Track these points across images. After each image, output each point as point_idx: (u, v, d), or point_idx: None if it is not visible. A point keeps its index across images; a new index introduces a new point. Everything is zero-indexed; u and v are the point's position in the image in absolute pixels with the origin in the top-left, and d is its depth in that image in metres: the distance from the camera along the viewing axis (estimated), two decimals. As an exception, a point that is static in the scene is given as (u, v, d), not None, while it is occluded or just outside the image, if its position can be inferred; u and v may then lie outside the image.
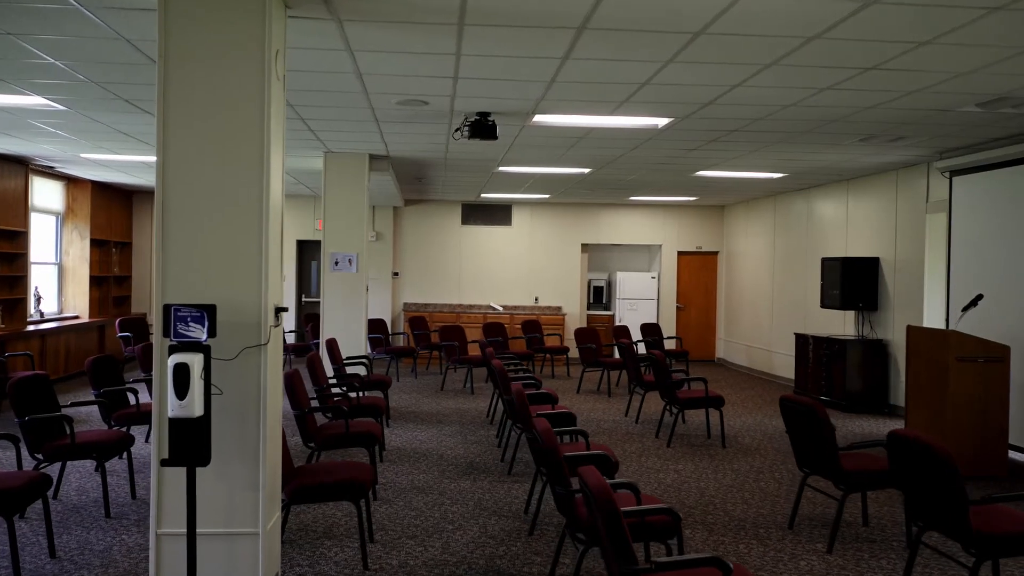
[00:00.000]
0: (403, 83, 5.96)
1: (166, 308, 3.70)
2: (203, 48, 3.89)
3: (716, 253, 15.79)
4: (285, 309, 4.25)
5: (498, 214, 15.43)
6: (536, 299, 15.47)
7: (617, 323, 15.25)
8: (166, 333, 3.69)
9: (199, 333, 3.69)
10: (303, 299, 15.39)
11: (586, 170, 10.58)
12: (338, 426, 6.06)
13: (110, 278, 13.57)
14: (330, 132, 8.15)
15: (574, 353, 14.83)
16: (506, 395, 6.85)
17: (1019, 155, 7.63)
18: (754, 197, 13.92)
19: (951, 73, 5.38)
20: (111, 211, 13.56)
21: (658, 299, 15.60)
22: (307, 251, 15.31)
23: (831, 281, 10.70)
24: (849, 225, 11.13)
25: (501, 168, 10.53)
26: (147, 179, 12.33)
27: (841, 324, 11.20)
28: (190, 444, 3.64)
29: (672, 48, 4.90)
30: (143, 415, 6.60)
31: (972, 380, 6.75)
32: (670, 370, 8.07)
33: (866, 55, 4.99)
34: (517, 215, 15.45)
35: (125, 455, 5.96)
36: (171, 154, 3.91)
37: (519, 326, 14.33)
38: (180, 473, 3.86)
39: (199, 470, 3.79)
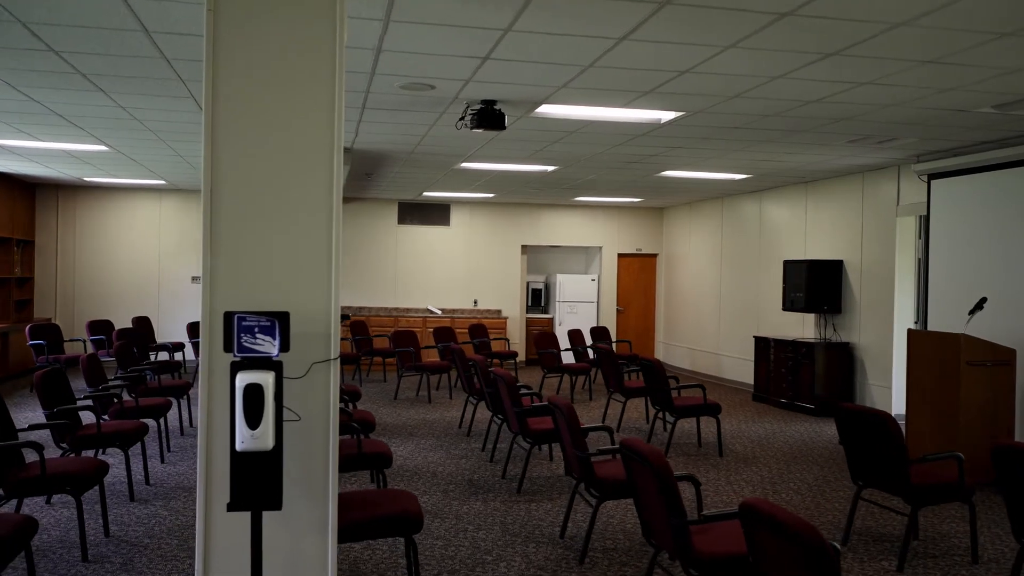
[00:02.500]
0: (420, 63, 5.36)
1: (228, 316, 3.02)
2: (262, 7, 3.24)
3: (655, 255, 15.66)
4: (348, 316, 3.62)
5: (436, 214, 14.80)
6: (475, 302, 14.93)
7: (558, 326, 14.90)
8: (228, 347, 3.02)
9: (270, 347, 3.03)
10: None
11: (551, 168, 10.15)
12: (348, 445, 5.39)
13: (11, 280, 12.21)
14: (300, 120, 7.40)
15: (520, 357, 14.44)
16: (516, 407, 6.32)
17: (1004, 159, 7.68)
18: (700, 199, 13.82)
19: (1003, 69, 5.21)
20: (13, 206, 12.20)
21: (598, 302, 15.32)
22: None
23: (794, 284, 10.63)
24: (808, 228, 11.11)
25: (463, 164, 9.97)
26: (60, 169, 11.11)
27: (799, 327, 11.17)
28: (260, 483, 2.98)
29: (746, 30, 4.52)
30: (104, 437, 5.76)
31: (981, 384, 6.69)
32: (667, 376, 7.72)
33: (937, 47, 4.74)
34: (456, 215, 14.87)
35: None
36: (222, 134, 3.23)
37: (461, 330, 13.77)
38: (232, 517, 3.19)
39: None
